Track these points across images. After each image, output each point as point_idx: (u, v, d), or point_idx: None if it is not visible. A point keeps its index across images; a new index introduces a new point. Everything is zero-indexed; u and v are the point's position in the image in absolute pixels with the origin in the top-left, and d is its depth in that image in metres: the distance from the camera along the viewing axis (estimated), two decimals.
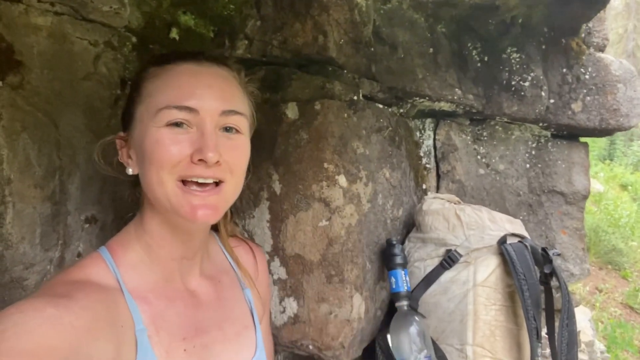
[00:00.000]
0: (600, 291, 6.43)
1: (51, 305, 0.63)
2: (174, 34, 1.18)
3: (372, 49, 1.34)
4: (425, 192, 1.66)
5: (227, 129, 0.80)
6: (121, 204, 1.11)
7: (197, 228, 0.86)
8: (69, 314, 0.63)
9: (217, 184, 0.78)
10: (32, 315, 0.60)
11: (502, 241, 1.25)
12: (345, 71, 1.27)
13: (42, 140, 0.92)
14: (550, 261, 1.29)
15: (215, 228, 1.03)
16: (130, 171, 0.83)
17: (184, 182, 0.76)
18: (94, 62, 1.03)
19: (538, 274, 1.28)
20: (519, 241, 1.28)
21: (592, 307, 5.79)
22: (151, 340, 0.76)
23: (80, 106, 1.00)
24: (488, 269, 1.24)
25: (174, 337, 0.79)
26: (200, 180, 0.76)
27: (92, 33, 1.02)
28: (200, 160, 0.74)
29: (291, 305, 1.22)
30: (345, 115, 1.23)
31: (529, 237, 1.35)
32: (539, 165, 1.85)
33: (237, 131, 0.81)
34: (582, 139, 1.91)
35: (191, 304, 0.86)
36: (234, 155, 0.80)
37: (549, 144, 1.85)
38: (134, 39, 1.13)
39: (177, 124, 0.76)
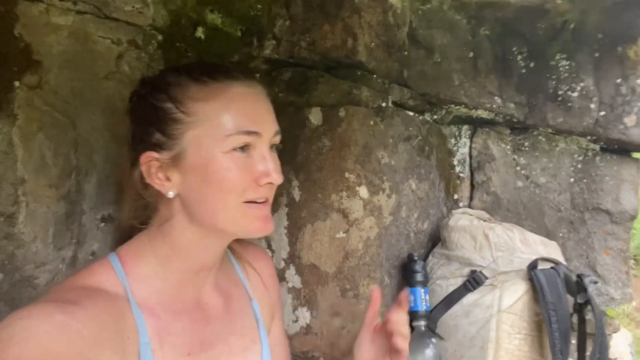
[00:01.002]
0: None
1: (60, 312, 0.63)
2: (200, 32, 1.16)
3: (406, 53, 1.28)
4: (456, 202, 1.58)
5: (272, 147, 0.83)
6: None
7: (228, 240, 0.88)
8: (77, 322, 0.63)
9: None
10: (41, 321, 0.60)
11: (533, 266, 1.17)
12: (374, 76, 1.22)
13: (59, 140, 0.93)
14: (585, 290, 1.20)
15: None
16: (170, 194, 0.78)
17: (245, 202, 0.78)
18: (117, 61, 1.02)
19: (572, 303, 1.19)
20: (552, 267, 1.19)
21: (637, 325, 5.48)
22: (154, 354, 0.75)
23: (100, 105, 1.00)
24: (515, 294, 1.16)
25: (178, 352, 0.78)
26: (260, 200, 0.79)
27: (116, 32, 1.02)
28: (267, 183, 0.78)
29: (304, 316, 1.20)
30: (372, 122, 1.18)
31: (564, 262, 1.26)
32: (585, 181, 1.72)
33: (277, 147, 0.85)
34: (635, 155, 1.77)
35: (199, 318, 0.84)
36: (280, 172, 0.83)
37: (597, 158, 1.72)
38: (159, 37, 1.12)
39: (242, 148, 0.77)
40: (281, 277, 1.21)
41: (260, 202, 0.80)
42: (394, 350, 0.88)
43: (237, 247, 1.02)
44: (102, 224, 1.04)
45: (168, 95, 0.77)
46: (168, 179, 0.78)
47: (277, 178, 0.78)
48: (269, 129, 0.80)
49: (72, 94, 0.94)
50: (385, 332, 0.92)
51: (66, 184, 0.94)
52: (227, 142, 0.75)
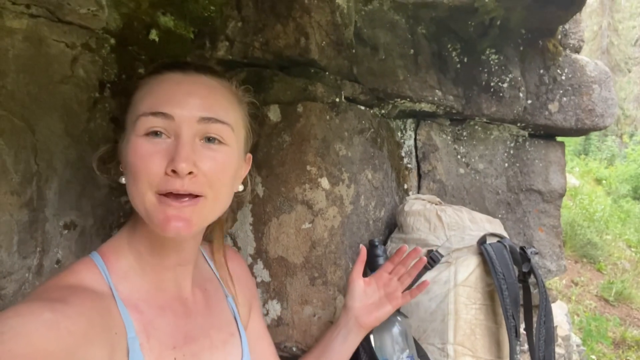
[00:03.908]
0: (576, 284, 6.59)
1: (48, 310, 0.62)
2: (154, 35, 1.17)
3: (354, 51, 1.35)
4: (406, 192, 1.68)
5: (209, 139, 0.77)
6: (101, 208, 1.10)
7: (192, 240, 0.85)
8: (66, 319, 0.63)
9: (195, 197, 0.75)
10: (29, 319, 0.60)
11: (482, 241, 1.27)
12: (327, 73, 1.27)
13: (19, 145, 0.90)
14: (528, 260, 1.32)
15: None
16: (122, 180, 0.80)
17: (161, 193, 0.74)
18: (72, 64, 1.01)
19: (516, 273, 1.31)
20: (498, 241, 1.30)
21: (568, 300, 5.94)
22: (142, 348, 0.76)
23: (57, 110, 0.98)
24: (468, 268, 1.26)
25: (164, 345, 0.79)
26: (174, 192, 0.73)
27: (69, 35, 1.00)
28: (173, 171, 0.72)
29: (274, 308, 1.23)
30: (328, 117, 1.23)
31: (507, 236, 1.38)
32: (517, 165, 1.88)
33: (220, 142, 0.78)
34: (559, 139, 1.95)
35: (181, 313, 0.86)
36: (213, 167, 0.76)
37: (527, 143, 1.88)
38: (112, 41, 1.11)
39: (155, 133, 0.74)
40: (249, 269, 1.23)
41: (179, 197, 0.73)
42: (393, 294, 1.11)
43: (211, 246, 1.04)
44: (66, 231, 1.01)
45: (130, 89, 0.83)
46: (123, 166, 0.81)
47: (183, 167, 0.70)
48: (187, 113, 0.74)
49: (29, 99, 0.92)
50: (376, 282, 1.12)
51: (28, 191, 0.92)
52: (138, 125, 0.74)
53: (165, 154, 0.73)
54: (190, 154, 0.73)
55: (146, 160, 0.72)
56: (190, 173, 0.72)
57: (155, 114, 0.74)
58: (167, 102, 0.75)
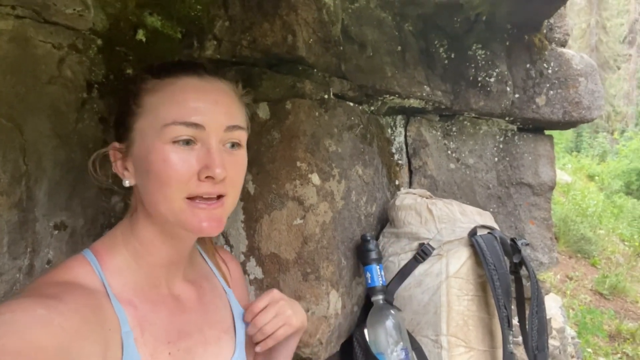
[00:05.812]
0: (571, 279, 6.63)
1: (41, 306, 0.63)
2: (141, 35, 1.17)
3: (342, 48, 1.36)
4: (398, 187, 1.69)
5: (231, 145, 0.81)
6: (91, 209, 1.10)
7: (193, 237, 0.88)
8: (59, 315, 0.63)
9: (219, 197, 0.80)
10: (22, 315, 0.60)
11: (473, 233, 1.29)
12: (315, 70, 1.28)
13: (7, 146, 0.90)
14: (519, 251, 1.34)
15: None
16: (127, 183, 0.82)
17: (190, 197, 0.77)
18: (58, 65, 1.01)
19: (508, 264, 1.32)
20: (489, 232, 1.31)
21: (563, 295, 5.97)
22: (137, 342, 0.76)
23: (45, 111, 0.98)
24: (460, 260, 1.27)
25: (158, 340, 0.80)
26: (205, 196, 0.78)
27: (56, 36, 1.00)
28: (207, 177, 0.76)
29: None
30: (317, 113, 1.24)
31: (498, 228, 1.39)
32: (507, 159, 1.90)
33: (239, 146, 0.83)
34: (547, 132, 1.98)
35: (175, 309, 0.87)
36: (237, 170, 0.82)
37: (516, 137, 1.90)
38: (99, 42, 1.11)
39: (186, 142, 0.76)
40: (242, 270, 1.23)
41: (207, 199, 0.78)
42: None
43: (208, 244, 1.05)
44: (56, 232, 1.01)
45: (129, 89, 0.82)
46: (126, 168, 0.82)
47: (219, 173, 0.75)
48: (215, 122, 0.78)
49: (17, 100, 0.92)
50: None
51: (17, 191, 0.92)
52: (165, 133, 0.75)
53: (194, 161, 0.76)
54: (222, 160, 0.77)
55: (178, 168, 0.75)
56: (223, 178, 0.77)
57: (186, 124, 0.76)
58: (196, 111, 0.77)
